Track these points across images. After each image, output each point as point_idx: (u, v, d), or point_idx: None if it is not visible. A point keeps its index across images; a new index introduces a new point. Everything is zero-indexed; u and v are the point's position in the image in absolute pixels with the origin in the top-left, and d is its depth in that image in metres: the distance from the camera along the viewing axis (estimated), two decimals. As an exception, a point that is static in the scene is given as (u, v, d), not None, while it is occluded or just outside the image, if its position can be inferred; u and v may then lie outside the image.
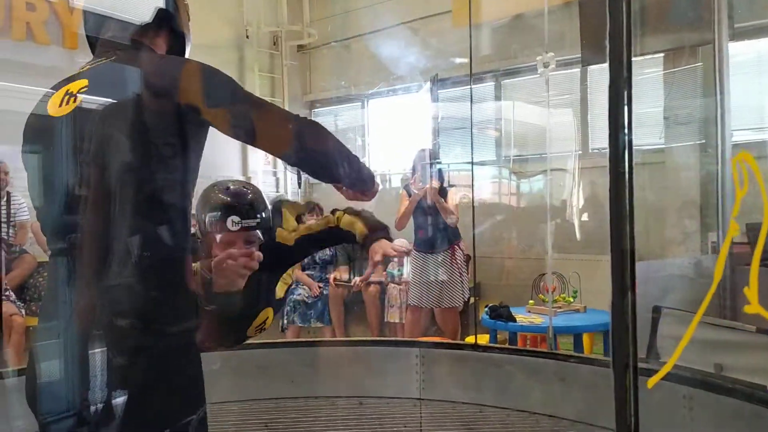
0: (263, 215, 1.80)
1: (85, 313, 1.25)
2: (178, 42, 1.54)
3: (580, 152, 5.36)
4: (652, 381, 1.06)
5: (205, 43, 6.14)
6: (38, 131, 1.39)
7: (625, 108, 0.87)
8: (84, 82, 1.33)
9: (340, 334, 5.03)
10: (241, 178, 6.93)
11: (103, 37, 1.44)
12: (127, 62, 1.38)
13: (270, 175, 7.31)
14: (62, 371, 1.27)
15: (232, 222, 1.70)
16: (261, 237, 1.76)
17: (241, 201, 1.76)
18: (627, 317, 0.90)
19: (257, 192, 1.86)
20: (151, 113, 1.27)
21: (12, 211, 4.84)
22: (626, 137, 0.88)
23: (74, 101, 1.30)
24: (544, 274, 4.36)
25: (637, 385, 0.93)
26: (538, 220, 5.29)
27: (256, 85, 7.00)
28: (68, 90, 1.34)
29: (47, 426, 1.27)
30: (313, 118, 6.62)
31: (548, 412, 3.55)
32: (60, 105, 1.32)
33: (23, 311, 4.23)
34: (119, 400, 1.24)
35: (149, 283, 1.28)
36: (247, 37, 6.98)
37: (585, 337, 4.21)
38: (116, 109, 1.31)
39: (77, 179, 1.28)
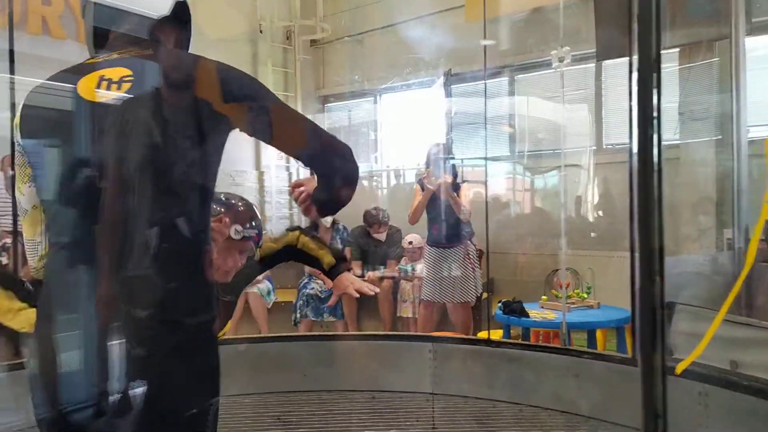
0: (260, 229, 1.92)
1: (106, 304, 1.26)
2: (186, 37, 1.56)
3: (594, 148, 5.33)
4: (680, 366, 1.04)
5: (219, 38, 6.18)
6: (65, 116, 1.38)
7: (655, 101, 0.86)
8: (125, 71, 1.34)
9: (352, 328, 5.04)
10: (254, 173, 6.96)
11: (119, 30, 1.45)
12: (162, 57, 1.42)
13: (283, 170, 7.32)
14: (81, 362, 1.29)
15: (236, 231, 1.78)
16: (254, 249, 1.89)
17: (239, 213, 1.85)
18: (655, 315, 0.88)
19: (253, 206, 1.99)
20: (186, 108, 1.31)
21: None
22: (655, 132, 0.86)
23: (117, 88, 1.32)
24: (557, 270, 4.35)
25: (666, 384, 0.92)
26: (552, 216, 5.28)
27: (269, 80, 7.01)
28: (103, 75, 1.34)
29: (64, 416, 1.28)
30: (325, 113, 6.69)
31: (561, 408, 3.55)
32: (98, 88, 1.33)
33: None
34: (138, 390, 1.25)
35: (171, 274, 1.29)
36: (261, 31, 7.00)
37: (598, 334, 4.19)
38: (151, 100, 1.34)
39: (116, 167, 1.30)
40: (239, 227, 1.81)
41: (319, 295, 5.13)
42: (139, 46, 1.42)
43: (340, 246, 5.37)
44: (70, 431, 1.28)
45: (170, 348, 1.28)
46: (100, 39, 1.46)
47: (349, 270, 2.26)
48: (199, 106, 1.30)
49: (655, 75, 0.87)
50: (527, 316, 4.13)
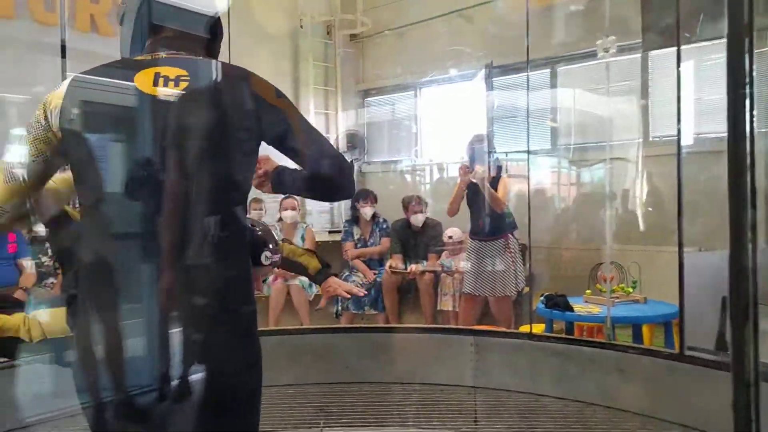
0: (280, 252, 2.00)
1: (168, 293, 1.30)
2: (217, 50, 1.62)
3: (641, 140, 5.22)
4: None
5: (261, 34, 6.22)
6: (127, 111, 1.40)
7: (747, 91, 0.81)
8: (180, 70, 1.38)
9: (393, 321, 5.04)
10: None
11: (173, 28, 1.47)
12: (211, 61, 1.48)
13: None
14: (144, 349, 1.32)
15: (266, 257, 1.85)
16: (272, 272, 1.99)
17: (271, 239, 1.91)
18: (749, 315, 0.84)
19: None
20: (241, 110, 1.40)
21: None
22: (747, 122, 0.82)
23: (175, 86, 1.36)
24: (601, 264, 4.28)
25: (759, 387, 0.88)
26: (597, 209, 5.19)
27: (310, 75, 7.06)
28: (158, 72, 1.37)
29: (125, 401, 1.31)
30: (365, 108, 6.69)
31: (606, 403, 3.50)
32: (155, 85, 1.36)
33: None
34: (198, 376, 1.28)
35: (229, 264, 1.34)
36: (301, 26, 7.04)
37: (645, 329, 4.11)
38: (214, 97, 1.42)
39: (174, 161, 1.33)
40: (269, 253, 1.87)
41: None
42: (186, 50, 1.45)
43: (379, 239, 5.38)
44: (132, 414, 1.31)
45: (229, 335, 1.33)
46: (145, 37, 1.49)
47: (336, 275, 2.32)
48: (258, 101, 1.40)
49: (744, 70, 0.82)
50: (571, 310, 4.08)
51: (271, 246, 1.89)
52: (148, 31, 1.48)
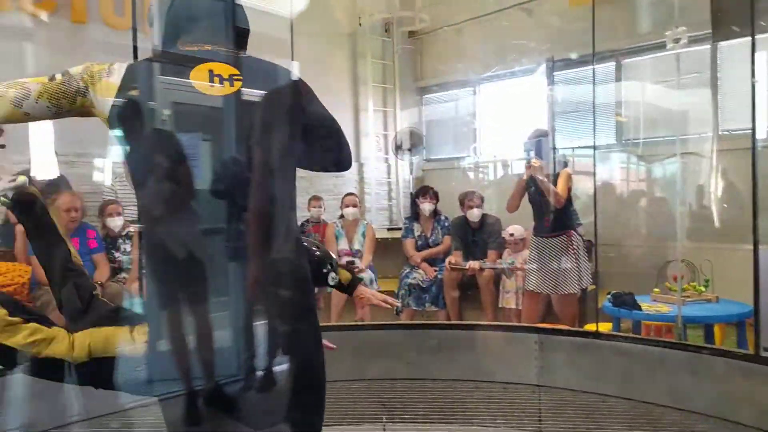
0: None
1: (255, 285, 1.34)
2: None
3: (711, 134, 5.04)
4: None
5: (320, 33, 6.28)
6: (189, 111, 1.44)
7: None
8: (231, 69, 1.42)
9: (454, 318, 5.02)
10: (354, 164, 7.06)
11: (208, 23, 1.51)
12: (263, 60, 1.53)
13: (382, 162, 7.40)
14: (230, 340, 1.36)
15: (332, 278, 1.96)
16: None
17: (331, 259, 1.98)
18: None
19: None
20: (293, 108, 1.47)
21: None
22: None
23: (231, 85, 1.40)
24: (671, 262, 4.16)
25: None
26: (666, 205, 5.04)
27: (368, 73, 7.10)
28: (212, 69, 1.41)
29: (213, 390, 1.36)
30: (423, 105, 6.69)
31: (677, 405, 3.40)
32: (212, 84, 1.40)
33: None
34: (281, 366, 1.32)
35: (305, 257, 1.37)
36: (360, 24, 7.08)
37: (717, 329, 3.97)
38: (276, 100, 1.47)
39: (242, 159, 1.37)
40: (333, 274, 1.96)
41: (421, 284, 5.15)
42: (223, 44, 1.49)
43: (440, 236, 5.36)
44: (220, 402, 1.36)
45: (312, 327, 1.36)
46: (183, 29, 1.51)
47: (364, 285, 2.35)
48: (305, 100, 1.49)
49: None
50: (639, 308, 3.97)
51: (333, 265, 1.96)
52: (183, 27, 1.50)
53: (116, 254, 4.58)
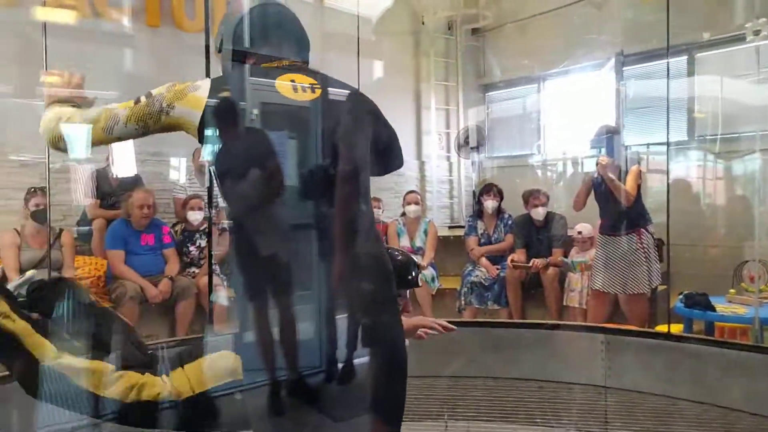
0: None
1: (340, 279, 1.39)
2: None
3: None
4: None
5: (384, 32, 6.33)
6: (278, 114, 1.54)
7: None
8: (309, 79, 1.57)
9: (516, 316, 4.96)
10: (416, 162, 7.06)
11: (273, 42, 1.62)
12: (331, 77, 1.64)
13: (444, 160, 7.38)
14: (314, 333, 1.41)
15: (420, 279, 2.07)
16: None
17: (413, 261, 2.06)
18: None
19: None
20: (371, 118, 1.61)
21: (216, 192, 5.34)
22: None
23: (312, 92, 1.54)
24: (747, 261, 3.98)
25: None
26: (743, 204, 4.83)
27: (431, 70, 7.09)
28: (293, 79, 1.54)
29: (297, 381, 1.40)
30: (486, 103, 6.65)
31: (753, 410, 3.26)
32: (296, 92, 1.53)
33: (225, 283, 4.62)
34: (362, 359, 1.36)
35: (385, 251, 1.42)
36: (423, 23, 7.08)
37: (796, 332, 3.79)
38: (355, 108, 1.60)
39: (329, 159, 1.46)
40: (415, 272, 2.05)
41: (483, 282, 5.11)
42: (299, 59, 1.63)
43: (503, 234, 5.31)
44: (305, 393, 1.41)
45: (395, 319, 1.41)
46: (257, 45, 1.61)
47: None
48: (373, 115, 1.63)
49: None
50: (713, 309, 3.83)
51: (417, 267, 2.03)
52: (257, 43, 1.60)
53: (191, 248, 4.72)
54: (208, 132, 1.48)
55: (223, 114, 1.50)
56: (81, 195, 5.08)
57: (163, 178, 5.29)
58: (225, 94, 1.50)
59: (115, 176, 4.86)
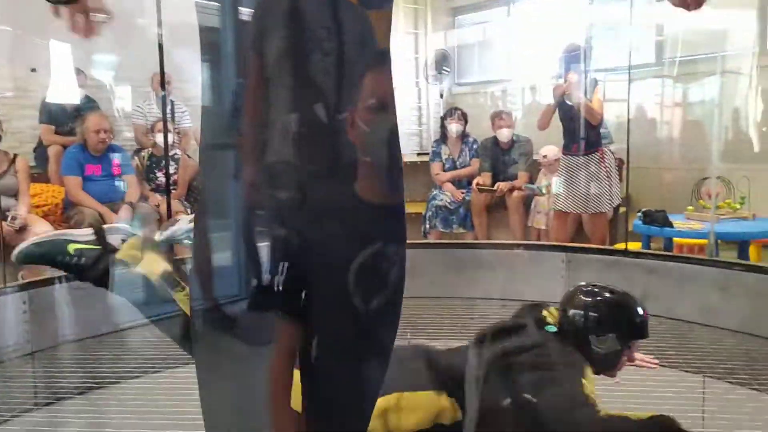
0: None
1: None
2: None
3: (757, 50, 4.77)
4: None
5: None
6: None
7: None
8: None
9: (482, 239, 4.99)
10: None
11: None
12: None
13: (412, 86, 7.25)
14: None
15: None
16: None
17: None
18: None
19: None
20: None
21: (176, 118, 5.20)
22: None
23: None
24: (706, 179, 4.02)
25: None
26: (703, 126, 4.84)
27: (398, -8, 6.87)
28: None
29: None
30: (456, 28, 6.43)
31: (706, 321, 3.35)
32: None
33: (189, 211, 4.56)
34: None
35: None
36: (390, -59, 6.82)
37: (752, 247, 3.87)
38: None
39: None
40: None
41: (449, 206, 5.11)
42: None
43: (468, 158, 5.28)
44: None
45: None
46: None
47: None
48: None
49: None
50: (671, 226, 3.88)
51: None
52: None
53: (159, 174, 4.62)
54: None
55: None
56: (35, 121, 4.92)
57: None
58: None
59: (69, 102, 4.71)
